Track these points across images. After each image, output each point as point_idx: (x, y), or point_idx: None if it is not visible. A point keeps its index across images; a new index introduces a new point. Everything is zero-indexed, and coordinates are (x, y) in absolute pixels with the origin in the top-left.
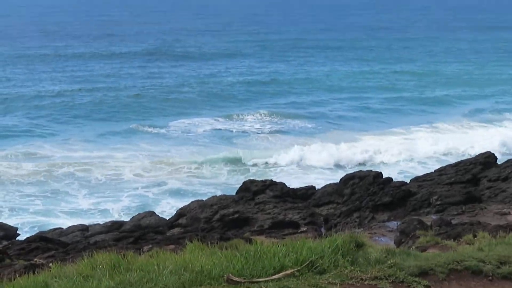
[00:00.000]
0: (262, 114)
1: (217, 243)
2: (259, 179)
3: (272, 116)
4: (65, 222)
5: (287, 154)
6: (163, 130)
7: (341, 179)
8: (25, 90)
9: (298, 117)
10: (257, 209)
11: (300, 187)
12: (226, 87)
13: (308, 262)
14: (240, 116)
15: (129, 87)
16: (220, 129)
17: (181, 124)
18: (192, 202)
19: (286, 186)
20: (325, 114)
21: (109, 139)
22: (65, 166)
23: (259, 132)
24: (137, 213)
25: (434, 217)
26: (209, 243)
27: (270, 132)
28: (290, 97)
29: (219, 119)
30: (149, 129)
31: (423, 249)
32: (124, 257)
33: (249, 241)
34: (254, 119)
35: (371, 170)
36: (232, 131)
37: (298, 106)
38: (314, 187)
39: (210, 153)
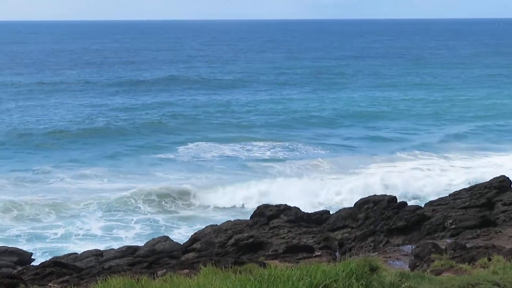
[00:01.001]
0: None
1: (231, 267)
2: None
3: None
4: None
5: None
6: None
7: (355, 204)
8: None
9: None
10: (272, 234)
11: (315, 212)
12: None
13: (322, 286)
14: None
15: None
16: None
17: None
18: (206, 227)
19: (301, 210)
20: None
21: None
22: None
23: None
24: (151, 239)
25: (448, 241)
26: (223, 267)
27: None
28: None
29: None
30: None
31: (438, 273)
32: (138, 281)
33: (263, 265)
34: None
35: (385, 195)
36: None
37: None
38: (329, 211)
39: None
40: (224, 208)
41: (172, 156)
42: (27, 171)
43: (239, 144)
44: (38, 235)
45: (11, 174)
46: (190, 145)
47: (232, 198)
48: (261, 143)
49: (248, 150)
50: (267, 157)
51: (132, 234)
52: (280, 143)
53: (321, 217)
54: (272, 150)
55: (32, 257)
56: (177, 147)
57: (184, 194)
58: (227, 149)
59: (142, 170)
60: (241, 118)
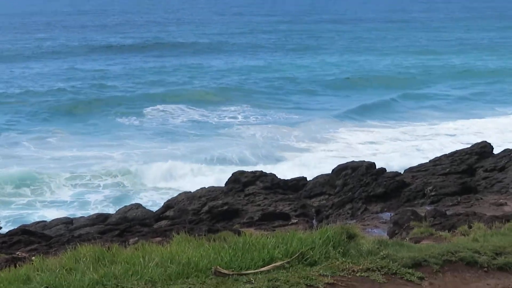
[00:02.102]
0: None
1: (205, 235)
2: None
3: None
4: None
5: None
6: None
7: (333, 170)
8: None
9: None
10: (247, 201)
11: (291, 178)
12: None
13: (298, 254)
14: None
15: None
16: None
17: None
18: (179, 194)
19: (277, 177)
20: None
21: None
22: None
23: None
24: (123, 206)
25: (428, 208)
26: (196, 235)
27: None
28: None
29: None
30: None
31: (417, 241)
32: (109, 249)
33: (238, 233)
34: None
35: (363, 161)
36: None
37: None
38: (306, 178)
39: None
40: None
41: (138, 122)
42: None
43: (210, 108)
44: (2, 202)
45: None
46: (159, 106)
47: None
48: (233, 108)
49: (219, 115)
50: (238, 122)
51: (101, 197)
52: (252, 108)
53: (298, 183)
54: (243, 114)
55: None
56: (144, 109)
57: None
58: (197, 114)
59: (111, 137)
60: (215, 81)
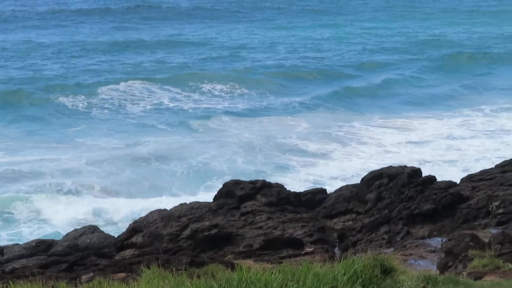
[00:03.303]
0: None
1: (185, 270)
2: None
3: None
4: None
5: None
6: None
7: (362, 179)
8: None
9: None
10: (244, 222)
11: (306, 191)
12: None
13: None
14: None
15: None
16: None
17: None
18: (151, 212)
19: (285, 189)
20: None
21: None
22: None
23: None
24: (72, 229)
25: (494, 231)
26: (174, 269)
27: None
28: None
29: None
30: None
31: (478, 276)
32: None
33: (231, 266)
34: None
35: (405, 166)
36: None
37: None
38: (325, 190)
39: None
40: None
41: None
42: None
43: (187, 87)
44: None
45: None
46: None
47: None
48: (218, 86)
49: (196, 99)
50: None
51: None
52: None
53: (314, 197)
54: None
55: None
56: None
57: None
58: (168, 95)
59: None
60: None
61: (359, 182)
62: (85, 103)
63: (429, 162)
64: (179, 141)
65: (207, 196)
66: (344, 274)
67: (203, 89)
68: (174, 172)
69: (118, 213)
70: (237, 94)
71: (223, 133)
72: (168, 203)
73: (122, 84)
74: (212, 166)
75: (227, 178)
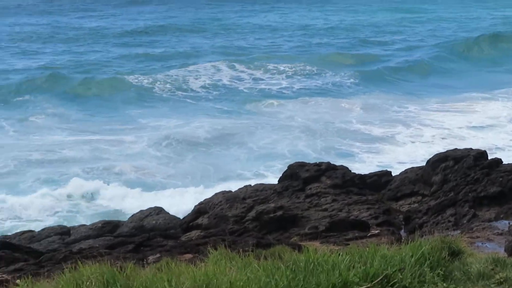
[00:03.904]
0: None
1: (252, 251)
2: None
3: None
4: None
5: None
6: None
7: (428, 161)
8: None
9: None
10: (309, 204)
11: (371, 173)
12: None
13: (382, 277)
14: None
15: None
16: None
17: None
18: (216, 194)
19: (350, 171)
20: None
21: None
22: None
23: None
24: (138, 210)
25: None
26: (241, 251)
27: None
28: None
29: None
30: None
31: None
32: (122, 270)
33: (298, 248)
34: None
35: (471, 149)
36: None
37: None
38: (390, 172)
39: None
40: None
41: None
42: None
43: (250, 68)
44: None
45: None
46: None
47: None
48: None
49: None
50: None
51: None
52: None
53: (380, 180)
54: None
55: None
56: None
57: None
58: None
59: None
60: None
61: (424, 164)
62: (150, 85)
63: (494, 145)
64: (236, 123)
65: (269, 180)
66: (412, 256)
67: (264, 70)
68: (236, 156)
69: (182, 201)
70: (298, 75)
71: (279, 116)
72: (231, 186)
73: (192, 67)
74: (273, 150)
75: (289, 162)
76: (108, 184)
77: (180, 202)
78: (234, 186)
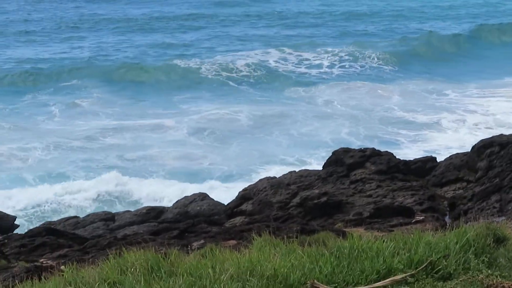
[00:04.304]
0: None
1: (296, 238)
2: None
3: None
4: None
5: None
6: None
7: (473, 147)
8: None
9: None
10: (354, 190)
11: (415, 159)
12: None
13: (426, 264)
14: None
15: None
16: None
17: None
18: (260, 180)
19: (395, 157)
20: None
21: None
22: None
23: None
24: (182, 197)
25: None
26: (285, 237)
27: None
28: None
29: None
30: None
31: None
32: (166, 256)
33: (342, 234)
34: None
35: None
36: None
37: None
38: (435, 158)
39: None
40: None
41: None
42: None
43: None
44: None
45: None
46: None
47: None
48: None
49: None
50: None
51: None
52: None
53: (424, 166)
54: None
55: (17, 221)
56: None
57: None
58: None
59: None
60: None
61: (469, 150)
62: (197, 66)
63: None
64: (276, 109)
65: (312, 167)
66: (457, 243)
67: (306, 55)
68: (279, 142)
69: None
70: (339, 60)
71: (318, 100)
72: (275, 172)
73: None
74: (315, 137)
75: (331, 149)
76: (150, 175)
77: (224, 188)
78: (277, 172)
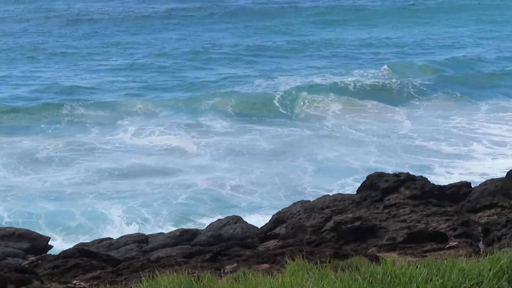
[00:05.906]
0: None
1: (329, 262)
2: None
3: None
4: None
5: None
6: None
7: (508, 173)
8: None
9: None
10: (387, 215)
11: (450, 184)
12: None
13: None
14: None
15: None
16: None
17: None
18: (294, 204)
19: (429, 182)
20: None
21: None
22: None
23: None
24: (216, 220)
25: None
26: (318, 262)
27: None
28: None
29: None
30: None
31: None
32: (199, 280)
33: (376, 259)
34: None
35: None
36: None
37: None
38: (470, 183)
39: None
40: None
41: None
42: None
43: None
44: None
45: None
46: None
47: None
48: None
49: None
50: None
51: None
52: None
53: (459, 191)
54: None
55: (50, 242)
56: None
57: None
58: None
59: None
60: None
61: (504, 176)
62: None
63: None
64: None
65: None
66: (490, 269)
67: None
68: (304, 169)
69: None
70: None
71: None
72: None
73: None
74: (342, 164)
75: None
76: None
77: (258, 212)
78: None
